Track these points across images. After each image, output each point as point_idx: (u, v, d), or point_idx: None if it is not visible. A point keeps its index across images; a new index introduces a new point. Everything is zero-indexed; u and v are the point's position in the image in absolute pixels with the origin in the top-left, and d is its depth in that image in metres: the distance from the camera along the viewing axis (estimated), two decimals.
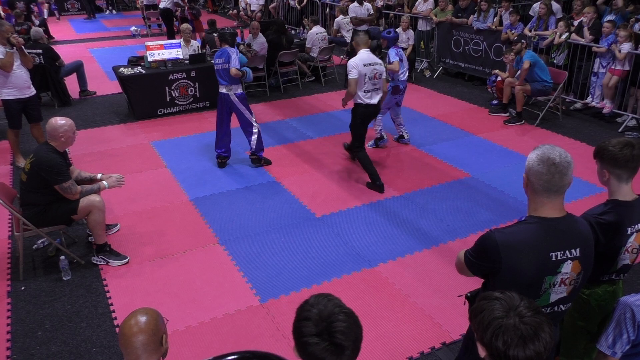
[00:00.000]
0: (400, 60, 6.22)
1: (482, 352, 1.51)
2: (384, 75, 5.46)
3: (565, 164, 1.86)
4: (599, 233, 2.27)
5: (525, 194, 2.02)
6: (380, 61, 5.43)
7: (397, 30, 6.40)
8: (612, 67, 7.23)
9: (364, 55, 5.30)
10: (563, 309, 2.03)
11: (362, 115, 5.48)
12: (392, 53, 6.20)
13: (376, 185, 5.49)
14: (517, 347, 1.41)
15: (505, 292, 1.53)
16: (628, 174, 2.32)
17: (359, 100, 5.38)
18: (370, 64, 5.28)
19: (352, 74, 5.24)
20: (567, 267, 1.93)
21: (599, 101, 7.63)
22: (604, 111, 7.48)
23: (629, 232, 2.34)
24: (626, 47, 6.95)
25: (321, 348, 1.42)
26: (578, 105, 8.03)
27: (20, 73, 5.77)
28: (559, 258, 1.90)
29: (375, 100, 5.42)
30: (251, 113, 5.97)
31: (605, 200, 2.41)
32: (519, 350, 1.41)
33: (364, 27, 9.35)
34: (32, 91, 6.01)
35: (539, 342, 1.42)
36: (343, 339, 1.43)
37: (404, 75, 6.36)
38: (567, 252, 1.91)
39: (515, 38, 8.23)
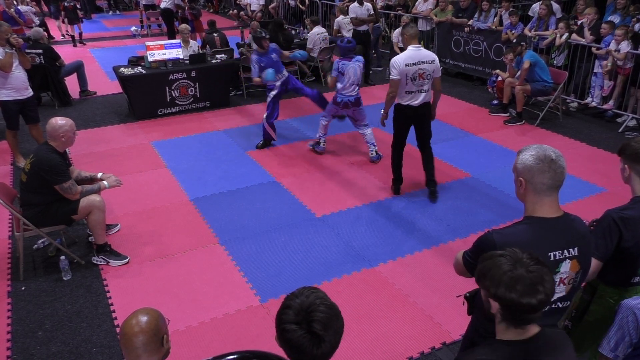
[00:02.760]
0: (341, 73, 5.84)
1: (494, 307, 1.60)
2: (437, 74, 4.88)
3: (562, 158, 1.91)
4: (622, 228, 2.26)
5: (520, 199, 2.01)
6: (433, 58, 4.83)
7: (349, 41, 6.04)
8: (619, 67, 7.22)
9: (410, 52, 4.76)
10: (561, 306, 2.04)
11: (400, 117, 5.04)
12: (334, 66, 5.91)
13: (393, 185, 5.40)
14: (528, 294, 1.52)
15: (506, 248, 1.63)
16: None
17: (398, 100, 4.95)
18: (415, 63, 4.74)
19: (393, 74, 4.79)
20: (566, 267, 1.93)
21: (599, 101, 7.63)
22: (605, 106, 7.48)
23: None
24: (624, 45, 6.96)
25: (298, 335, 1.46)
26: (574, 104, 8.04)
27: (18, 74, 5.75)
28: (557, 257, 1.91)
29: (417, 101, 4.89)
30: (268, 108, 6.56)
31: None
32: (530, 298, 1.52)
33: (364, 27, 9.35)
34: (30, 92, 6.00)
35: (545, 287, 1.53)
36: (320, 328, 1.46)
37: (348, 91, 5.91)
38: (565, 251, 1.92)
39: (515, 39, 8.23)
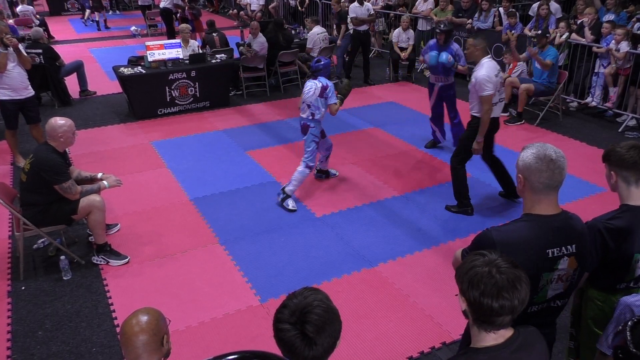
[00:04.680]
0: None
1: (462, 305, 1.58)
2: None
3: (562, 159, 1.90)
4: (608, 239, 2.22)
5: (520, 195, 2.03)
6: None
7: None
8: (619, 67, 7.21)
9: (491, 63, 4.64)
10: (559, 304, 2.04)
11: (489, 132, 4.84)
12: (331, 88, 5.01)
13: (464, 208, 5.02)
14: (490, 296, 1.48)
15: (490, 251, 1.61)
16: (636, 176, 2.27)
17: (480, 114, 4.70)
18: (498, 74, 4.66)
19: (488, 90, 4.53)
20: (564, 264, 1.94)
21: (599, 101, 7.64)
22: (608, 104, 7.46)
23: None
24: (624, 45, 6.97)
25: (290, 335, 1.47)
26: (574, 104, 8.04)
27: (15, 74, 5.71)
28: (555, 255, 1.91)
29: (499, 112, 4.83)
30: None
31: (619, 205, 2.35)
32: (493, 300, 1.48)
33: (364, 27, 9.35)
34: (30, 92, 5.97)
35: (514, 294, 1.49)
36: (312, 331, 1.45)
37: (302, 112, 5.21)
38: (563, 248, 1.92)
39: (515, 40, 8.21)
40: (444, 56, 5.74)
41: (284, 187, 5.23)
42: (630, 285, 2.41)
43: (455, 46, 6.00)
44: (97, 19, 15.67)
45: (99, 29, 15.52)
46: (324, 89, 5.00)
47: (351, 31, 9.62)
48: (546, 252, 1.90)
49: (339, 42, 9.79)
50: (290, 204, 5.19)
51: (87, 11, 16.37)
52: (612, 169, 2.33)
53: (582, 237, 1.98)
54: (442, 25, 5.99)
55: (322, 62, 5.14)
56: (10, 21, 11.83)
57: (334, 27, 10.77)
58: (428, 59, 6.15)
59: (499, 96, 4.75)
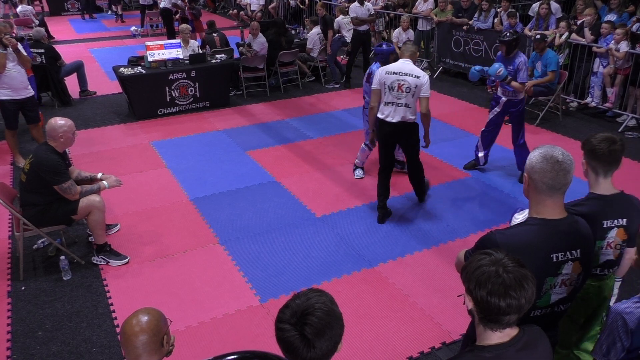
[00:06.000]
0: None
1: (469, 304, 1.59)
2: (423, 94, 4.54)
3: (569, 161, 1.89)
4: None
5: (525, 196, 2.02)
6: (419, 74, 4.49)
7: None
8: (619, 67, 7.21)
9: (397, 63, 4.61)
10: (563, 308, 2.04)
11: (379, 133, 4.79)
12: (373, 75, 5.02)
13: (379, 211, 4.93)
14: (498, 295, 1.49)
15: (495, 250, 1.62)
16: (604, 168, 2.34)
17: (378, 114, 4.71)
18: (396, 73, 4.52)
19: (373, 84, 4.69)
20: (568, 268, 1.93)
21: (599, 101, 7.64)
22: (608, 104, 7.45)
23: (605, 226, 2.34)
24: (624, 45, 6.98)
25: (289, 335, 1.47)
26: (574, 104, 8.05)
27: (15, 74, 5.71)
28: (560, 259, 1.91)
29: (395, 118, 4.59)
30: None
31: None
32: (500, 299, 1.49)
33: (365, 27, 9.35)
34: (30, 92, 5.96)
35: (521, 292, 1.50)
36: (311, 333, 1.45)
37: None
38: (568, 253, 1.91)
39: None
40: (496, 66, 5.18)
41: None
42: (597, 272, 2.48)
43: (520, 59, 5.35)
44: (115, 10, 17.11)
45: (118, 20, 16.71)
46: (368, 75, 5.33)
47: (343, 33, 9.61)
48: (551, 257, 1.89)
49: (328, 48, 9.60)
50: (356, 173, 5.83)
51: (114, 6, 17.73)
52: (584, 157, 2.40)
53: (588, 241, 1.97)
54: (504, 36, 5.37)
55: (383, 48, 5.32)
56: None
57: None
58: (470, 74, 5.62)
59: (393, 99, 4.56)
